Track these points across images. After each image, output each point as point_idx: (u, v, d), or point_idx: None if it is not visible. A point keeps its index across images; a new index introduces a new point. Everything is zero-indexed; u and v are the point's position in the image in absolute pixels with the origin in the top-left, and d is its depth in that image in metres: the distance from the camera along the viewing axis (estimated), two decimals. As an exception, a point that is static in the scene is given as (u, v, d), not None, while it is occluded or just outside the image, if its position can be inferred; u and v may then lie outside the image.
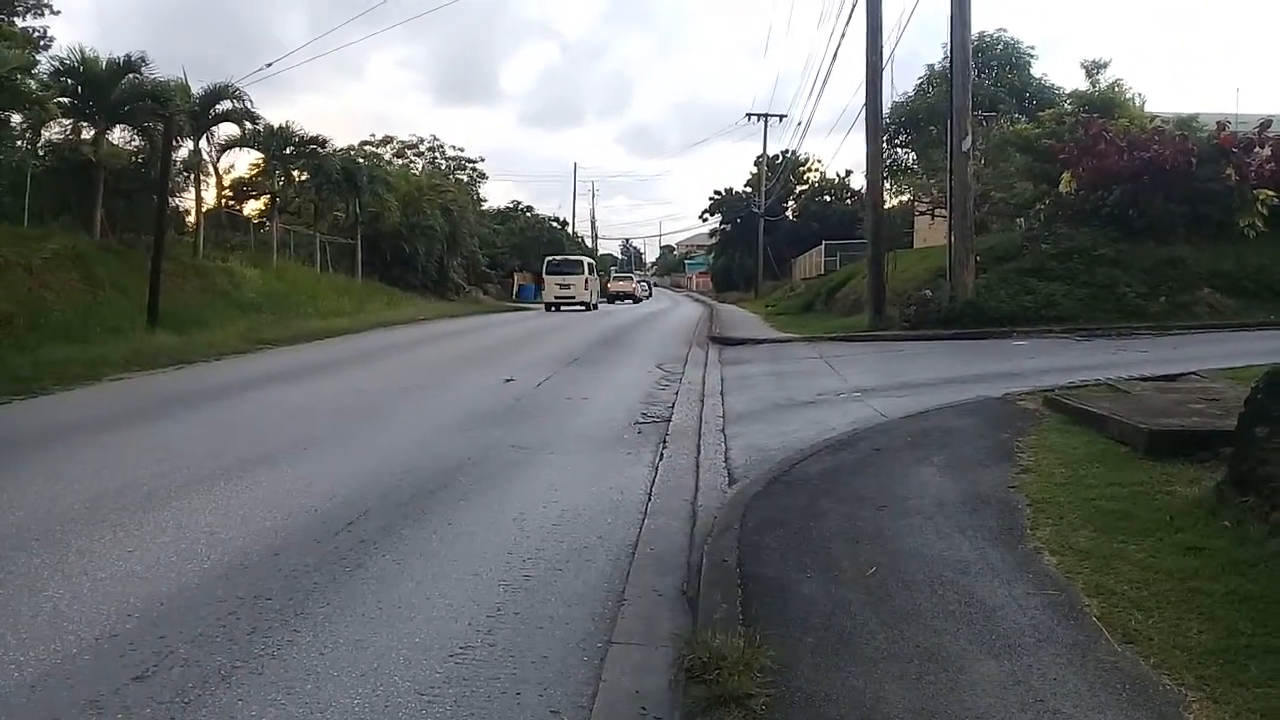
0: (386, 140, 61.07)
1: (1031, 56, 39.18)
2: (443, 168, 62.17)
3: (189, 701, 3.57)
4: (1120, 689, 3.43)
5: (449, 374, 14.77)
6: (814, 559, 4.96)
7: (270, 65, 36.94)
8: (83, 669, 3.84)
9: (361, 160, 40.79)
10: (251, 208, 37.67)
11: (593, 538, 5.85)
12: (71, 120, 22.80)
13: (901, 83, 58.60)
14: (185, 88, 24.87)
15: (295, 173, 34.69)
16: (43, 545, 5.42)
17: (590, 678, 3.89)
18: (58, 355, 13.80)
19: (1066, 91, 34.20)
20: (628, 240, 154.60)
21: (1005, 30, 39.72)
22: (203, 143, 27.06)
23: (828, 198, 63.48)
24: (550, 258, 47.02)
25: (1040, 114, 29.75)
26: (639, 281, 75.99)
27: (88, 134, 22.97)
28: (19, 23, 24.24)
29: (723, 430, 9.69)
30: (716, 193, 73.81)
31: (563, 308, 41.10)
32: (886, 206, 37.31)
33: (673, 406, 11.26)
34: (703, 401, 11.82)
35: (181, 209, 28.06)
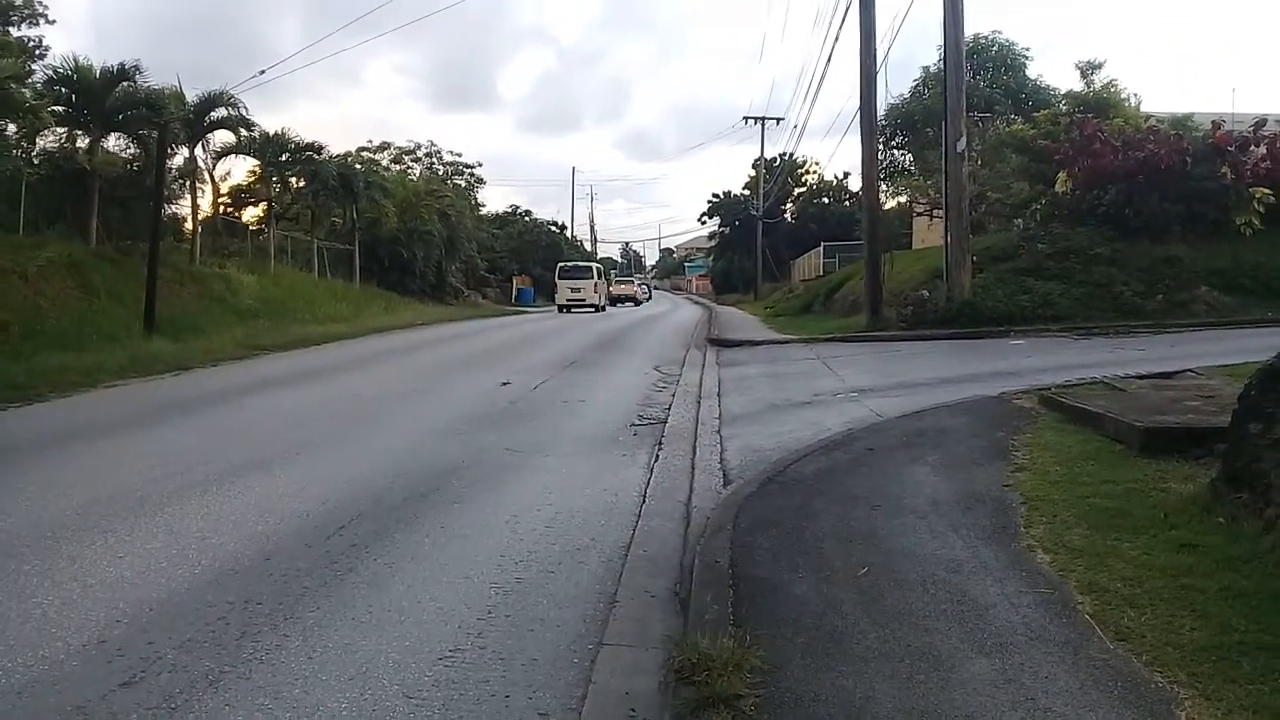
0: (384, 146, 61.16)
1: (1026, 58, 39.37)
2: (440, 173, 62.20)
3: (175, 707, 3.55)
4: (1112, 687, 3.41)
5: (445, 378, 14.75)
6: (806, 559, 4.94)
7: (264, 72, 36.96)
8: (70, 675, 3.82)
9: (358, 166, 40.81)
10: (250, 214, 37.68)
11: (586, 540, 5.83)
12: (66, 128, 22.80)
13: (897, 85, 58.50)
14: (180, 95, 24.89)
15: (292, 179, 34.70)
16: (33, 552, 5.40)
17: (580, 680, 3.87)
18: (53, 363, 13.78)
19: (1062, 92, 34.28)
20: (627, 244, 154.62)
21: (1000, 32, 39.99)
22: (198, 150, 27.10)
23: (826, 200, 63.50)
24: (562, 264, 50.61)
25: (1036, 114, 29.76)
26: (639, 284, 76.19)
27: (82, 142, 22.96)
28: (14, 32, 24.23)
29: (719, 431, 9.67)
30: (715, 196, 73.89)
31: (574, 309, 43.74)
32: (885, 208, 37.40)
33: (669, 408, 11.25)
34: (699, 403, 11.80)
35: (178, 216, 28.03)
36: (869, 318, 22.39)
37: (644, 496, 6.94)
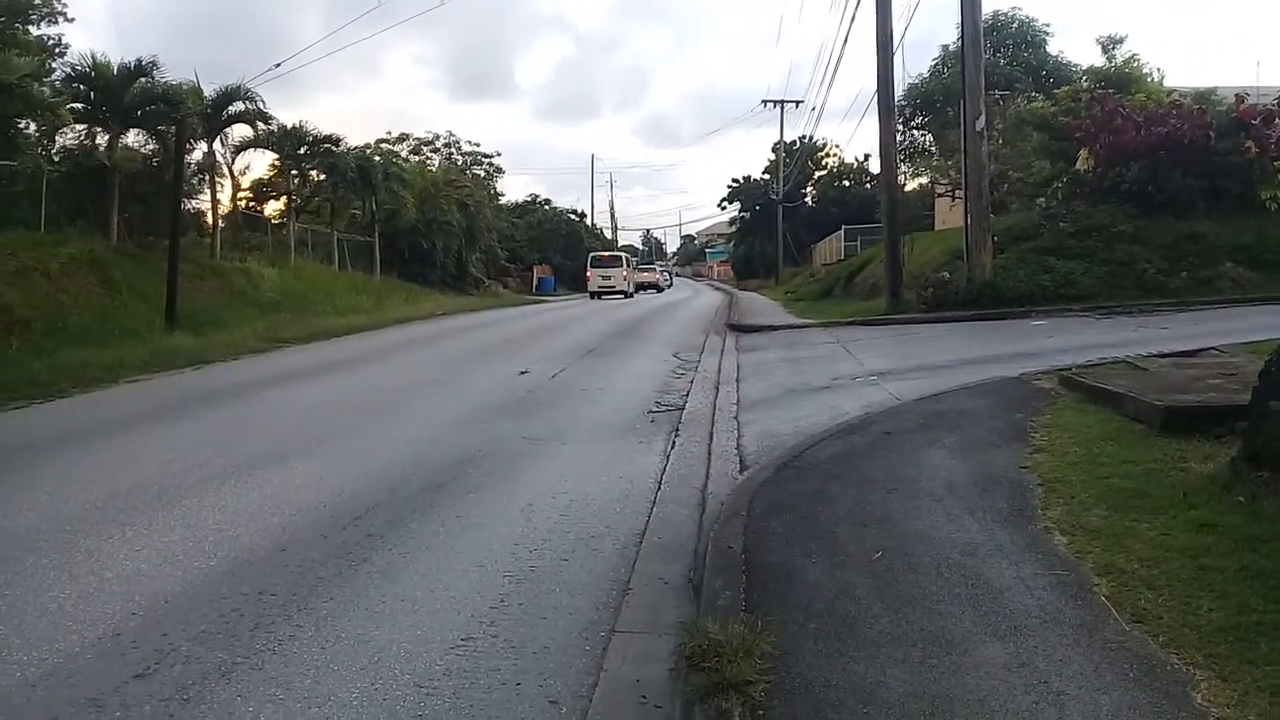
0: (402, 137, 61.14)
1: (1047, 34, 38.96)
2: (459, 163, 62.22)
3: (188, 699, 3.57)
4: (1127, 669, 3.37)
5: (464, 368, 14.77)
6: (820, 544, 4.91)
7: (279, 65, 36.76)
8: (84, 668, 3.84)
9: (377, 158, 40.85)
10: (271, 208, 37.87)
11: (600, 527, 5.82)
12: (85, 125, 22.91)
13: (917, 65, 58.15)
14: (197, 90, 24.96)
15: (312, 172, 34.81)
16: (52, 546, 5.44)
17: (591, 667, 3.87)
18: (75, 359, 13.88)
19: (1083, 68, 33.84)
20: (648, 231, 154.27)
21: (1020, 8, 39.55)
22: (216, 144, 27.16)
23: (846, 182, 63.18)
24: (594, 254, 54.42)
25: (1056, 91, 29.43)
26: (661, 271, 76.32)
27: (102, 139, 23.07)
28: (33, 30, 24.40)
29: (736, 417, 9.64)
30: (735, 180, 73.60)
31: (604, 295, 46.41)
32: (905, 189, 37.15)
33: (687, 395, 11.23)
34: (718, 389, 11.76)
35: (199, 211, 28.21)
36: (889, 301, 22.25)
37: (660, 483, 6.93)
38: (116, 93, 22.37)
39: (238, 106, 26.51)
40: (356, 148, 38.53)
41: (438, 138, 63.55)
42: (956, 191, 28.66)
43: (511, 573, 4.98)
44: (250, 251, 29.56)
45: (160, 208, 22.50)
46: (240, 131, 28.17)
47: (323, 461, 7.82)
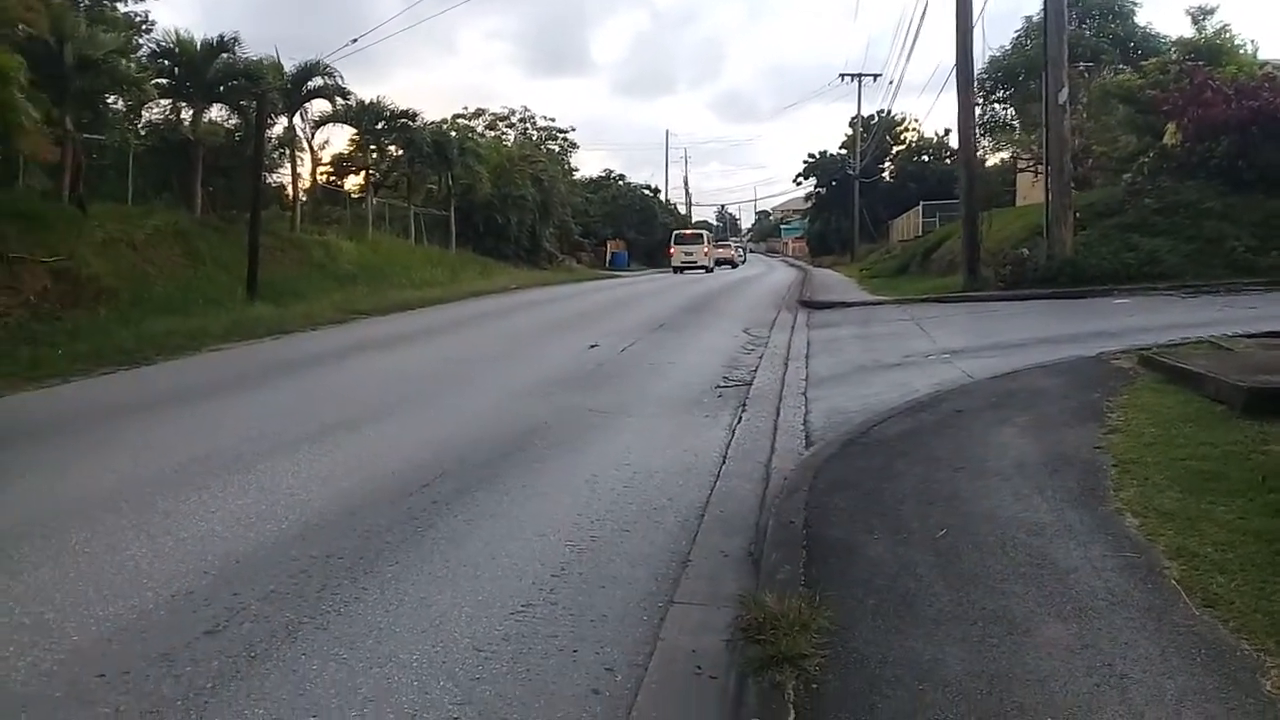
0: (478, 113, 61.54)
1: (1135, 4, 37.70)
2: (534, 138, 62.43)
3: (255, 656, 3.68)
4: (1194, 653, 3.29)
5: (535, 341, 14.89)
6: (883, 521, 4.86)
7: (357, 40, 37.68)
8: (157, 624, 3.98)
9: (453, 133, 41.18)
10: (351, 183, 38.43)
11: (663, 500, 5.84)
12: (170, 100, 23.42)
13: (999, 37, 56.76)
14: (278, 66, 25.38)
15: (390, 147, 35.23)
16: (131, 507, 5.62)
17: (648, 637, 3.90)
18: (160, 327, 14.28)
19: (1172, 39, 32.69)
20: (722, 207, 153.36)
21: (1107, -22, 38.15)
22: (296, 119, 27.57)
23: (925, 157, 61.95)
24: (678, 232, 58.14)
25: (1144, 64, 28.50)
26: (736, 248, 76.11)
27: (186, 114, 23.58)
28: (120, 7, 24.97)
29: (804, 393, 9.58)
30: (811, 156, 72.62)
31: (686, 270, 48.90)
32: (986, 164, 36.39)
33: (755, 370, 11.18)
34: (786, 365, 11.69)
35: (280, 185, 28.74)
36: (965, 277, 21.83)
37: (724, 458, 6.93)
38: (199, 68, 22.82)
39: (317, 82, 26.88)
40: (433, 123, 38.95)
41: (513, 113, 63.85)
42: (1038, 167, 27.91)
43: (573, 542, 5.03)
44: (329, 225, 30.05)
45: (242, 181, 22.96)
46: (319, 107, 28.64)
47: (394, 429, 7.95)
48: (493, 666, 3.61)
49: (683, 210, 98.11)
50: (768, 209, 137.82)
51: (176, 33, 23.13)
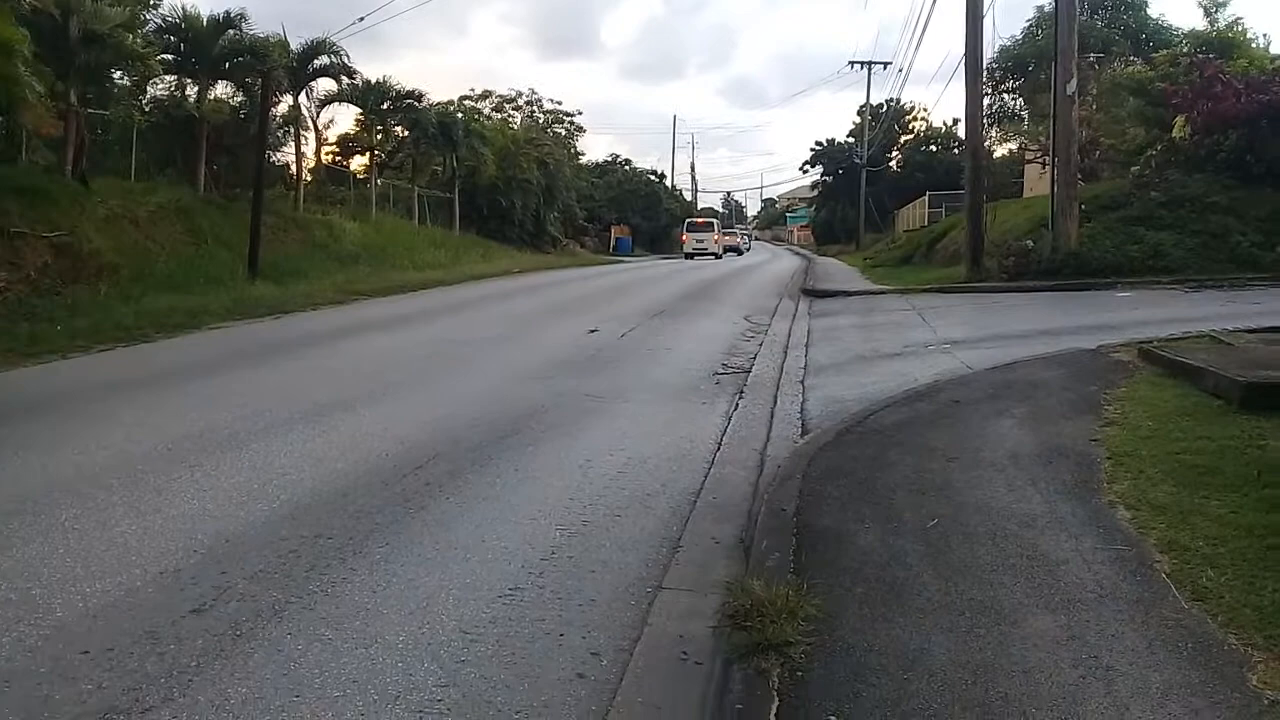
0: (485, 95, 61.14)
1: (1147, -4, 37.44)
2: (540, 121, 62.17)
3: (240, 635, 3.67)
4: (1181, 647, 3.27)
5: (535, 325, 14.86)
6: (874, 510, 4.85)
7: (363, 19, 36.91)
8: (144, 601, 3.97)
9: (459, 115, 41.05)
10: (356, 163, 38.35)
11: (656, 485, 5.83)
12: (175, 77, 23.37)
13: (1010, 27, 56.44)
14: (284, 43, 25.25)
15: (396, 128, 35.13)
16: (122, 484, 5.62)
17: (636, 622, 3.89)
18: (161, 304, 14.28)
19: (1183, 32, 32.51)
20: (728, 193, 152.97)
21: (1120, -31, 37.95)
22: (302, 98, 27.55)
23: (933, 147, 61.65)
24: (689, 219, 61.30)
25: (1155, 56, 28.35)
26: (742, 235, 76.27)
27: (191, 90, 23.53)
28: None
29: (802, 381, 9.56)
30: (818, 143, 72.27)
31: (697, 256, 50.67)
32: (994, 155, 36.22)
33: (755, 358, 11.16)
34: (786, 353, 11.68)
35: (285, 164, 28.69)
36: (969, 268, 21.76)
37: (719, 444, 6.92)
38: (205, 45, 22.74)
39: (323, 60, 26.78)
40: (439, 104, 38.80)
41: (520, 95, 63.50)
42: (1046, 158, 27.86)
43: (564, 526, 5.02)
44: (333, 205, 30.00)
45: (246, 159, 22.89)
46: (325, 86, 28.62)
47: (389, 411, 7.94)
48: (478, 649, 3.60)
49: (688, 197, 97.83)
50: (774, 196, 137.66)
51: (183, 8, 23.04)
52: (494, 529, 4.94)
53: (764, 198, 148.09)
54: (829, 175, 70.25)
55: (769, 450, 6.74)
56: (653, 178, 78.54)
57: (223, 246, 19.94)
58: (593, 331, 13.28)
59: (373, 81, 31.60)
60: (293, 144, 27.83)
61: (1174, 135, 22.63)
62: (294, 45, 26.01)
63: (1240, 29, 27.92)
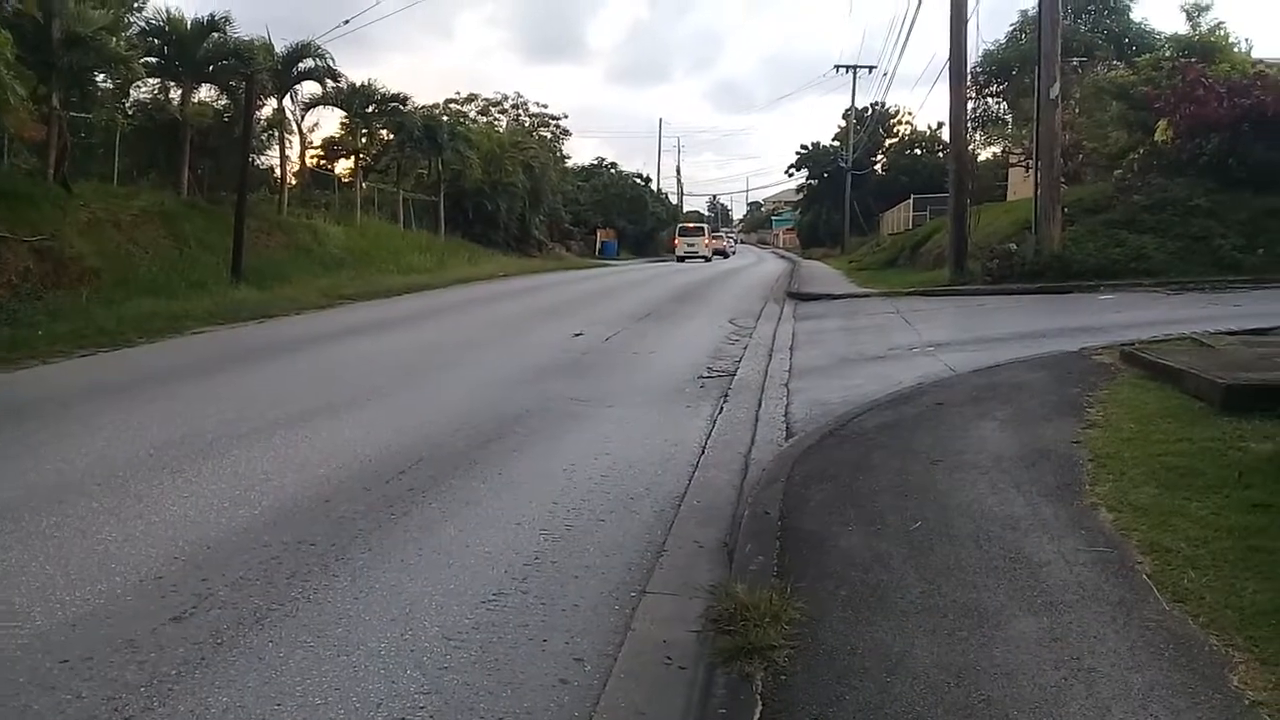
0: (471, 98, 60.94)
1: (1130, 0, 37.63)
2: (526, 124, 62.07)
3: (221, 643, 3.64)
4: (1163, 648, 3.28)
5: (520, 329, 14.84)
6: (858, 512, 4.85)
7: (349, 22, 36.80)
8: (124, 609, 3.94)
9: (445, 118, 40.97)
10: (341, 167, 38.26)
11: (640, 489, 5.82)
12: (159, 80, 23.26)
13: (994, 31, 56.68)
14: (268, 46, 25.14)
15: (381, 131, 35.05)
16: (103, 490, 5.58)
17: (619, 627, 3.88)
18: (143, 309, 14.20)
19: (1166, 36, 32.70)
20: (714, 197, 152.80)
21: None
22: (286, 101, 27.44)
23: (918, 151, 61.89)
24: (681, 224, 63.09)
25: (1138, 60, 28.51)
26: (727, 238, 76.81)
27: (175, 94, 23.44)
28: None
29: (786, 385, 9.57)
30: (803, 147, 72.42)
31: (688, 259, 51.58)
32: (979, 159, 36.31)
33: (739, 361, 11.18)
34: (771, 356, 11.69)
35: (269, 167, 28.57)
36: (953, 272, 21.83)
37: (704, 448, 6.92)
38: (189, 48, 22.64)
39: (307, 63, 26.67)
40: (424, 107, 38.78)
41: (506, 98, 63.39)
42: (1030, 161, 27.99)
43: (548, 531, 5.00)
44: (317, 209, 29.88)
45: (230, 163, 22.80)
46: (310, 89, 28.48)
47: (373, 416, 7.91)
48: (461, 655, 3.59)
49: (674, 200, 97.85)
50: (759, 200, 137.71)
51: (167, 11, 23.05)
52: (477, 534, 4.92)
53: (749, 201, 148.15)
54: (814, 179, 70.46)
55: (753, 454, 6.74)
56: (639, 181, 78.61)
57: (206, 251, 19.84)
58: (578, 335, 13.28)
59: (358, 85, 31.54)
60: (277, 147, 27.76)
61: (1156, 139, 22.77)
62: (279, 48, 25.94)
63: (1222, 33, 28.11)
